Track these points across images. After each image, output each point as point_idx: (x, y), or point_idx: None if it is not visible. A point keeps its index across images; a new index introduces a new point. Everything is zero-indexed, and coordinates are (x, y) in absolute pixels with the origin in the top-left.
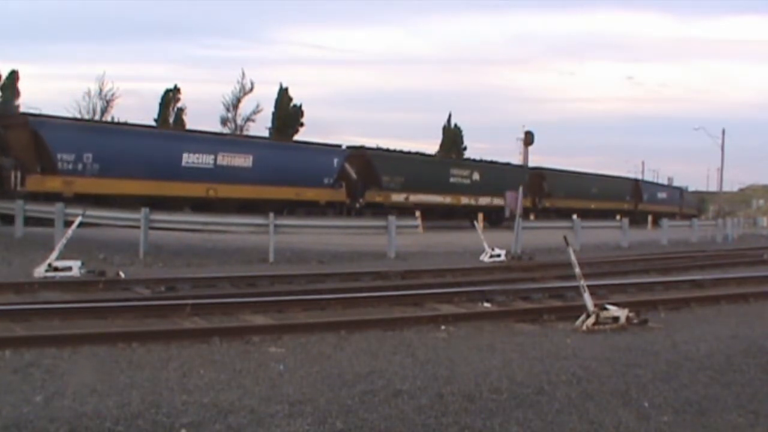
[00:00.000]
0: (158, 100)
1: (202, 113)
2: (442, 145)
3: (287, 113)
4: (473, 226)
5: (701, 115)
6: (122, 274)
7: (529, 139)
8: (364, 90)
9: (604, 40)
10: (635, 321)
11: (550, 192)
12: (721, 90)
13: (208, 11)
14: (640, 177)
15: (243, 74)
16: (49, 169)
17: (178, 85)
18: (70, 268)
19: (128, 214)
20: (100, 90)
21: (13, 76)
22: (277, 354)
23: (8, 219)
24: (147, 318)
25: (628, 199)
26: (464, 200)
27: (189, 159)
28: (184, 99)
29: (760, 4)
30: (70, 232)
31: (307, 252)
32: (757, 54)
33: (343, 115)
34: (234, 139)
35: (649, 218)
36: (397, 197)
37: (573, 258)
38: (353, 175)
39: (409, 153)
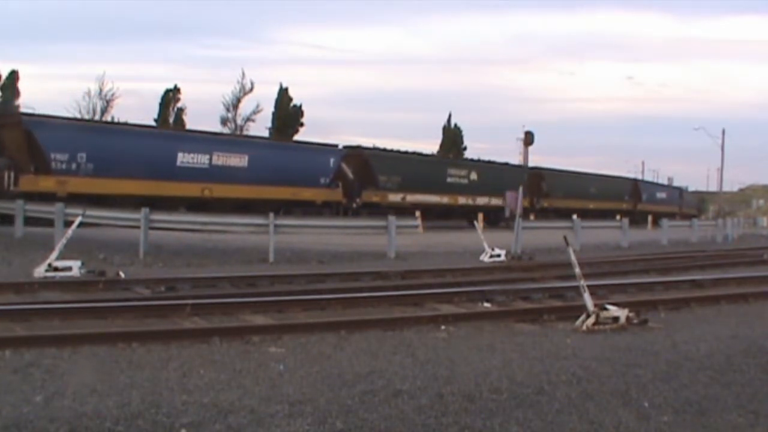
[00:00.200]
0: (158, 100)
1: (202, 113)
2: (442, 145)
3: (287, 113)
4: (471, 226)
5: (701, 115)
6: (122, 274)
7: (529, 139)
8: (364, 90)
9: (604, 40)
10: (635, 321)
11: (549, 192)
12: (721, 90)
13: (208, 11)
14: (640, 177)
15: (243, 74)
16: (43, 169)
17: (178, 85)
18: (70, 268)
19: (128, 214)
20: (100, 90)
21: (13, 76)
22: (277, 354)
23: (6, 219)
24: (147, 318)
25: (627, 199)
26: (462, 200)
27: (184, 159)
28: (184, 99)
29: (760, 4)
30: (70, 232)
31: (307, 252)
32: (757, 54)
33: (343, 115)
34: (229, 139)
35: (649, 218)
36: (394, 197)
37: (573, 258)
38: (350, 174)
39: (406, 153)
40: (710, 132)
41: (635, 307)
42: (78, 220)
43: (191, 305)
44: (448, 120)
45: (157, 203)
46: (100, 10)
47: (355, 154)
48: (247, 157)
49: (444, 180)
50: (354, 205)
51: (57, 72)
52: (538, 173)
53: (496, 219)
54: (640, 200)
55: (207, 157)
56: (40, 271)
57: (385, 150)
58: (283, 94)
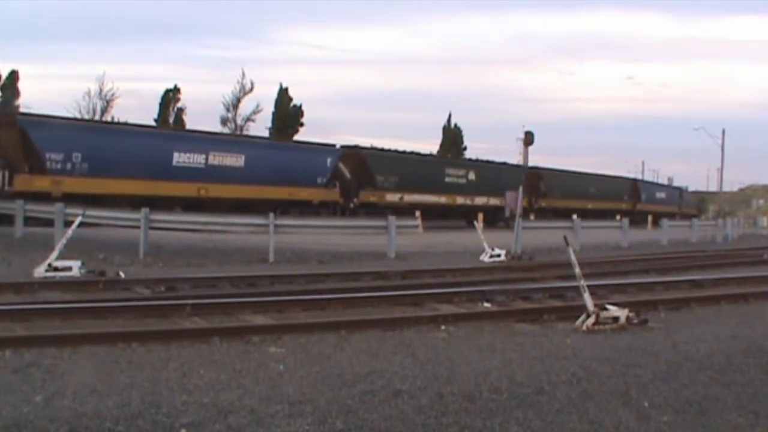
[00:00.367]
0: (158, 100)
1: (202, 113)
2: (442, 145)
3: (287, 113)
4: (469, 226)
5: (701, 115)
6: (122, 274)
7: (529, 139)
8: (364, 90)
9: (604, 40)
10: (635, 321)
11: (547, 192)
12: (721, 90)
13: (208, 11)
14: (640, 177)
15: (243, 74)
16: (38, 169)
17: (178, 85)
18: (70, 268)
19: (128, 214)
20: (100, 90)
21: (13, 76)
22: (277, 354)
23: (5, 219)
24: (147, 318)
25: (626, 198)
26: (460, 200)
27: (180, 158)
28: (184, 99)
29: (760, 4)
30: (70, 232)
31: (307, 252)
32: (757, 54)
33: (343, 115)
34: (226, 139)
35: (649, 218)
36: (392, 197)
37: (573, 258)
38: (347, 174)
39: (404, 152)
40: (710, 132)
41: (635, 307)
42: (78, 220)
43: (191, 305)
44: (448, 120)
45: (153, 203)
46: (100, 10)
47: (352, 153)
48: (243, 157)
49: (442, 180)
50: (351, 205)
51: (57, 72)
52: (537, 173)
53: (494, 219)
54: (639, 200)
55: (203, 156)
56: (40, 271)
57: (382, 150)
58: (283, 94)
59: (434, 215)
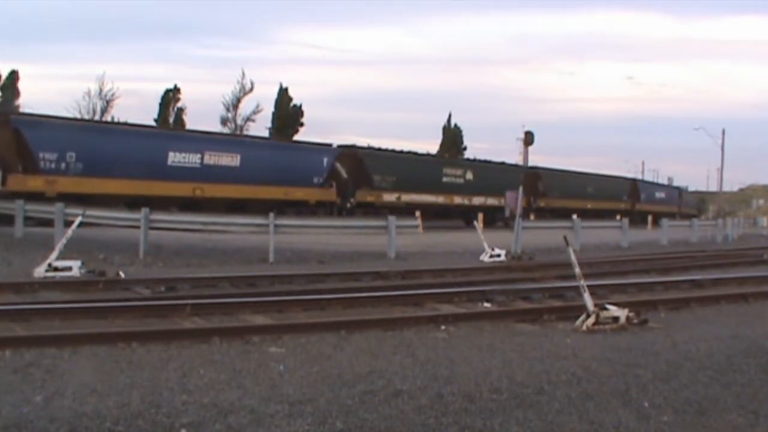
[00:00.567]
0: (158, 100)
1: (202, 113)
2: (442, 145)
3: (287, 113)
4: (467, 226)
5: (701, 115)
6: (122, 274)
7: (529, 139)
8: (364, 90)
9: (604, 40)
10: (635, 321)
11: (546, 192)
12: (721, 90)
13: (208, 11)
14: (640, 177)
15: (243, 74)
16: (31, 169)
17: (178, 85)
18: (70, 268)
19: (128, 214)
20: (100, 90)
21: (13, 76)
22: (277, 354)
23: (6, 219)
24: (147, 318)
25: (626, 198)
26: (457, 200)
27: (175, 158)
28: (184, 99)
29: (760, 4)
30: (70, 232)
31: (307, 252)
32: (757, 54)
33: (343, 115)
34: (221, 138)
35: (649, 218)
36: (389, 197)
37: (573, 258)
38: (344, 174)
39: (401, 152)
40: (710, 132)
41: (635, 307)
42: (78, 220)
43: (191, 305)
44: (448, 120)
45: (147, 203)
46: (100, 10)
47: (349, 153)
48: (239, 157)
49: (440, 179)
50: (348, 205)
51: (57, 72)
52: (535, 173)
53: (492, 219)
54: (639, 200)
55: (198, 156)
56: (40, 271)
57: (379, 149)
58: (283, 94)
59: (432, 215)
